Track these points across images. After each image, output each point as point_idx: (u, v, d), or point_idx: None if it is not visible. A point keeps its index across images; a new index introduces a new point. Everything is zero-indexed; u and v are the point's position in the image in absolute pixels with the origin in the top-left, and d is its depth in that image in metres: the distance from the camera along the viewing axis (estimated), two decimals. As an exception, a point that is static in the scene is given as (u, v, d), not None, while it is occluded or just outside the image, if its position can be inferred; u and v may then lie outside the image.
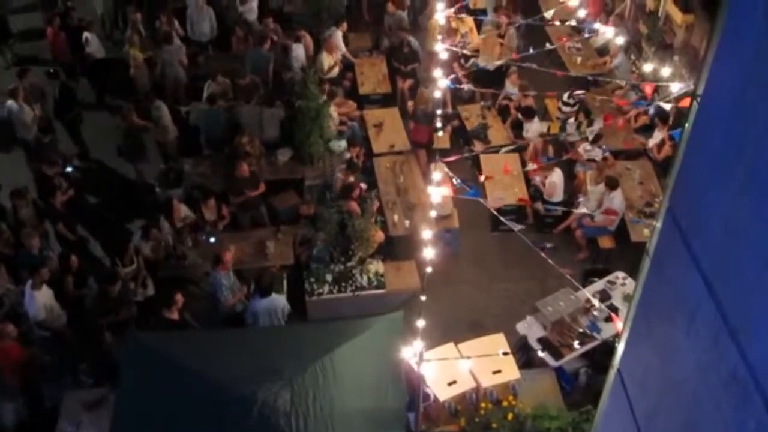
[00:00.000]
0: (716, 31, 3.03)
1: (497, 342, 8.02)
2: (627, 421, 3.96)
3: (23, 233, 9.24)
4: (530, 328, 8.63)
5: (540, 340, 8.50)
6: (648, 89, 9.71)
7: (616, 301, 8.86)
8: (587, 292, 8.58)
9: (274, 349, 6.76)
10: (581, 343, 8.43)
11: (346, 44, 13.19)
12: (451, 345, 7.90)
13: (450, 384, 7.65)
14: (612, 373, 4.30)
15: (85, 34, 12.77)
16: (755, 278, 2.63)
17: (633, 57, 12.99)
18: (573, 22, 12.31)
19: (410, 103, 12.10)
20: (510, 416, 7.57)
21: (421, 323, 6.25)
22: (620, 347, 4.19)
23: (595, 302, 7.08)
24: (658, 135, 10.95)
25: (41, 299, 8.40)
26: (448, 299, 9.44)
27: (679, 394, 3.36)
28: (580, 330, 8.52)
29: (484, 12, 14.41)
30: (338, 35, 12.81)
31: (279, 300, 8.64)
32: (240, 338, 7.51)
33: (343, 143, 11.00)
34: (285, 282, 9.50)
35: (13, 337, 7.96)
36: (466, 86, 11.67)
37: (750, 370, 2.64)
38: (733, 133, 2.88)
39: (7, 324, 7.96)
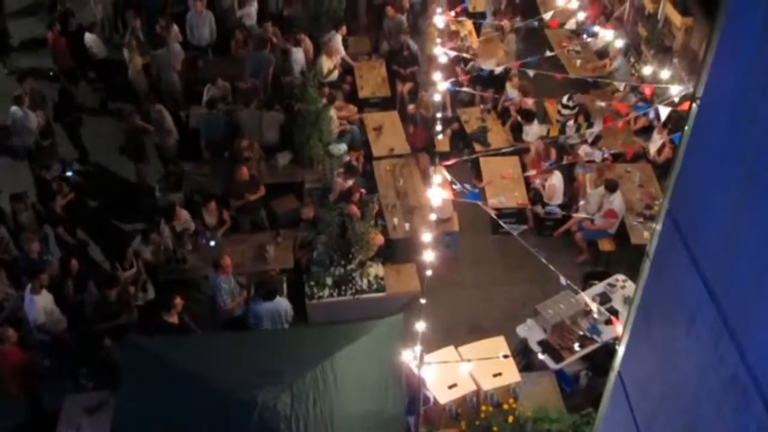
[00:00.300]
0: (715, 33, 3.03)
1: (497, 345, 8.01)
2: (627, 423, 3.96)
3: (22, 238, 9.24)
4: (530, 331, 8.62)
5: (540, 343, 8.50)
6: (648, 91, 9.71)
7: (617, 303, 8.86)
8: (587, 296, 8.58)
9: (274, 353, 6.75)
10: (581, 346, 8.42)
11: (346, 48, 13.21)
12: (451, 348, 7.89)
13: (450, 387, 7.64)
14: (612, 376, 4.29)
15: (87, 35, 12.83)
16: (755, 280, 2.63)
17: (632, 60, 13.00)
18: (572, 26, 12.37)
19: (411, 107, 12.11)
20: (510, 419, 7.56)
21: (421, 326, 6.25)
22: (620, 350, 4.19)
23: (594, 308, 7.05)
24: (657, 138, 10.96)
25: (41, 303, 8.39)
26: (448, 302, 9.43)
27: (680, 396, 3.35)
28: (581, 333, 8.52)
29: (483, 15, 14.44)
30: (337, 39, 12.82)
31: (282, 303, 8.64)
32: (240, 342, 7.50)
33: (343, 146, 11.00)
34: (285, 285, 9.49)
35: (13, 341, 7.96)
36: (467, 89, 11.67)
37: (750, 372, 2.64)
38: (732, 135, 2.88)
39: (6, 328, 7.96)
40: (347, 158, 10.84)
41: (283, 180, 11.00)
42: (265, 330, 8.51)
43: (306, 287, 9.38)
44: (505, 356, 7.64)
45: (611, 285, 9.18)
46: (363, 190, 10.22)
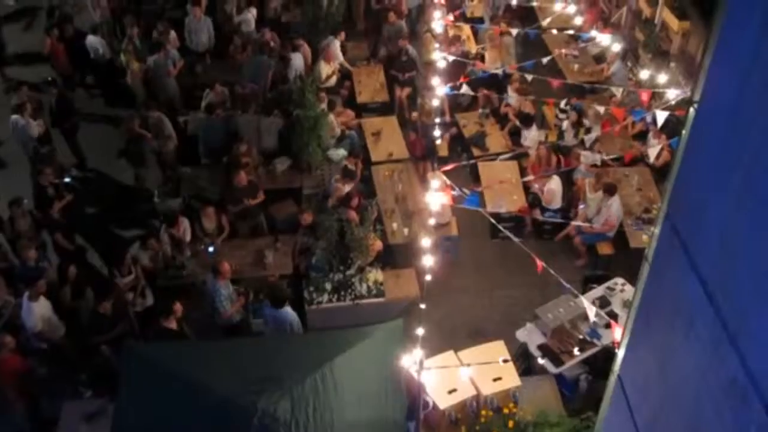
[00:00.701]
0: (712, 37, 3.04)
1: (497, 349, 8.00)
2: (628, 427, 3.96)
3: (19, 245, 9.22)
4: (530, 335, 8.62)
5: (540, 347, 8.49)
6: (644, 96, 9.74)
7: (616, 307, 8.86)
8: (586, 299, 8.57)
9: (274, 359, 6.74)
10: (581, 350, 8.42)
11: (344, 53, 13.23)
12: (451, 353, 7.88)
13: (450, 392, 7.63)
14: (612, 380, 4.30)
15: (90, 38, 12.84)
16: (754, 284, 2.64)
17: (630, 64, 13.03)
18: (570, 30, 12.39)
19: (414, 114, 12.10)
20: (511, 424, 7.55)
21: (420, 331, 6.24)
22: (620, 353, 4.19)
23: (591, 314, 7.02)
24: (654, 142, 10.97)
25: (38, 311, 8.38)
26: (447, 307, 9.42)
27: (680, 399, 3.35)
28: (580, 336, 8.52)
29: (480, 20, 14.47)
30: (336, 44, 12.85)
31: (288, 315, 8.40)
32: (239, 347, 7.48)
33: (342, 152, 11.00)
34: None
35: (11, 348, 7.94)
36: (470, 93, 11.66)
37: (750, 375, 2.64)
38: (730, 139, 2.89)
39: (5, 335, 7.95)
40: (344, 163, 10.85)
41: (281, 185, 10.99)
42: (265, 336, 8.47)
43: (305, 293, 9.36)
44: (505, 360, 7.63)
45: (610, 288, 9.18)
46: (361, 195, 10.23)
